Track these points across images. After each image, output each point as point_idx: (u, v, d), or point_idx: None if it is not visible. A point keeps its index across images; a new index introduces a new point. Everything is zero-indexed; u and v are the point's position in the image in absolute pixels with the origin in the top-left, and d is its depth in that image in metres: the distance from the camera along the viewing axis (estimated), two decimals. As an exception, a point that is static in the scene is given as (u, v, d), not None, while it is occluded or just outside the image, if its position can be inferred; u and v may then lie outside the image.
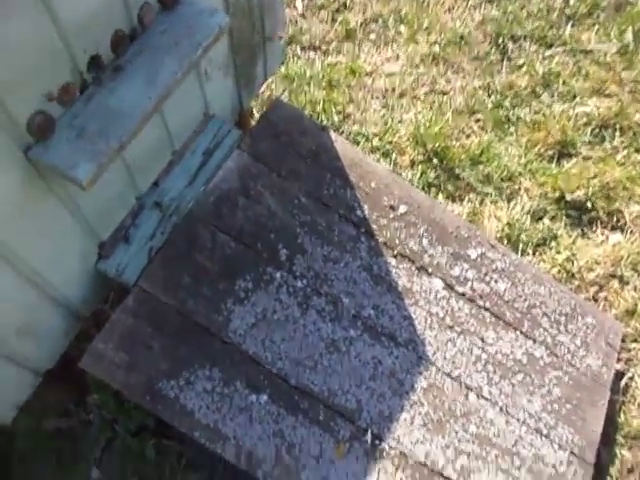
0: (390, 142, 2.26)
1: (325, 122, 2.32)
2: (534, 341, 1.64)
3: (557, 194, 2.13)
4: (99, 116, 1.07)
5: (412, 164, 2.22)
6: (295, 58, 2.52)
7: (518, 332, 1.64)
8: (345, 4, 2.67)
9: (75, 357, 1.47)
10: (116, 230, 1.41)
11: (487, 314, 1.63)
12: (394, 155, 2.24)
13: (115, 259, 1.40)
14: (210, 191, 1.52)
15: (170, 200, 1.48)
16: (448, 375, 1.53)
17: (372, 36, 2.60)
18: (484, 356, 1.58)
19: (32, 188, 1.08)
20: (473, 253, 1.70)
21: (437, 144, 2.21)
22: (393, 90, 2.44)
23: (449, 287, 1.63)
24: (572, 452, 1.50)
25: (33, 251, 1.16)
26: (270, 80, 2.31)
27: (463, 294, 1.63)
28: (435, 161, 2.20)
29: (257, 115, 2.35)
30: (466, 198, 2.14)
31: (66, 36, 0.99)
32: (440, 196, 2.15)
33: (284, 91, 2.41)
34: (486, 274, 1.69)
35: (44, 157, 1.02)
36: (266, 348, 1.43)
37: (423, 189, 2.15)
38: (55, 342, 1.38)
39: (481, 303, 1.64)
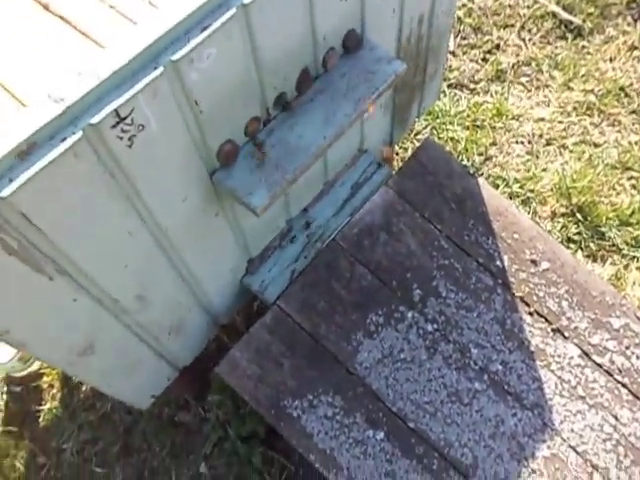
0: (531, 190, 2.19)
1: (465, 162, 2.30)
2: (676, 429, 1.50)
3: None
4: (277, 149, 1.15)
5: (553, 215, 2.13)
6: (441, 94, 2.53)
7: (658, 416, 1.51)
8: (498, 45, 2.64)
9: (199, 356, 1.58)
10: (264, 249, 1.51)
11: (624, 391, 1.52)
12: (534, 204, 2.17)
13: (260, 276, 1.49)
14: (354, 223, 1.57)
15: (316, 227, 1.55)
16: (573, 449, 1.44)
17: (523, 79, 2.54)
18: (616, 436, 1.47)
19: (208, 206, 1.19)
20: (616, 323, 1.59)
21: (583, 198, 2.11)
22: (540, 136, 2.36)
23: (585, 355, 1.54)
24: None
25: (196, 259, 1.28)
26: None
27: (600, 365, 1.54)
28: (579, 216, 2.10)
29: (396, 147, 2.39)
30: (609, 260, 2.01)
31: (262, 72, 1.08)
32: (580, 254, 2.04)
33: (426, 127, 2.43)
34: (628, 347, 1.57)
35: (226, 181, 1.12)
36: (389, 386, 1.44)
37: (562, 243, 2.06)
38: (196, 343, 1.50)
39: (619, 378, 1.53)
